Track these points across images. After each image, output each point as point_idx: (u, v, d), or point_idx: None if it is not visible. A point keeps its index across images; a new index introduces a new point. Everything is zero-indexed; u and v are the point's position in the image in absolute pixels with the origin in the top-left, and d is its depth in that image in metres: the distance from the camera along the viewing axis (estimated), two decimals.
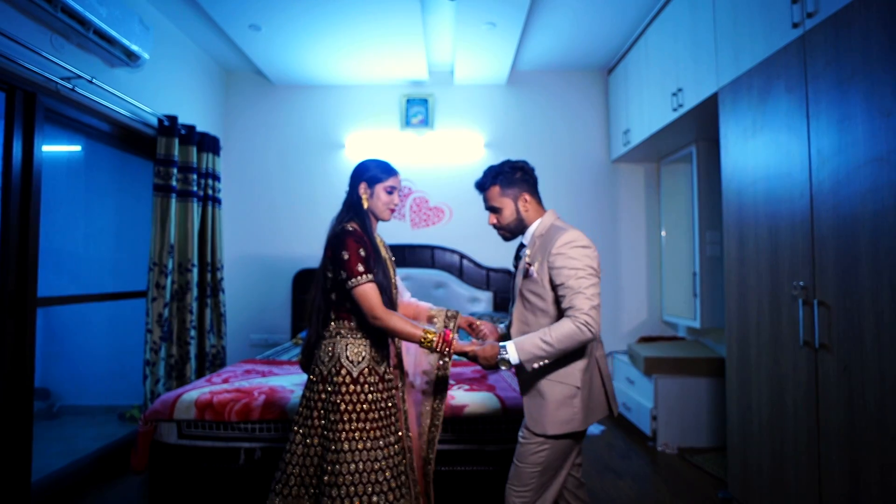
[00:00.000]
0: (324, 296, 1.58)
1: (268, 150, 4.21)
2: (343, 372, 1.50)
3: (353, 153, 4.14)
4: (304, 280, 4.07)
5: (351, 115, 4.21)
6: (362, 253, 1.49)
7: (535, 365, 1.45)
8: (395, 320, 1.48)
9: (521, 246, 1.68)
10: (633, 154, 3.90)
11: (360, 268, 1.47)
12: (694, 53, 2.73)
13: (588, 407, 1.55)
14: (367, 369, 1.53)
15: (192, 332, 3.23)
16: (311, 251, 4.11)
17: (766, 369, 2.11)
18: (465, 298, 3.99)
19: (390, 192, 1.63)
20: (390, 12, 3.08)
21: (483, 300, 4.01)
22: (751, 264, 2.23)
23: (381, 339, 1.61)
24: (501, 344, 1.48)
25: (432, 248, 4.08)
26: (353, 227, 1.54)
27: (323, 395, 1.51)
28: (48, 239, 2.44)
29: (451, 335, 1.53)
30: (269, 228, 4.18)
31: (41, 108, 2.37)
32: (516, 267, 1.70)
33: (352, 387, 1.49)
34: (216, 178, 3.53)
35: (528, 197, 1.64)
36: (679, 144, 3.62)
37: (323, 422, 1.51)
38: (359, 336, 1.55)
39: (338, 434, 1.45)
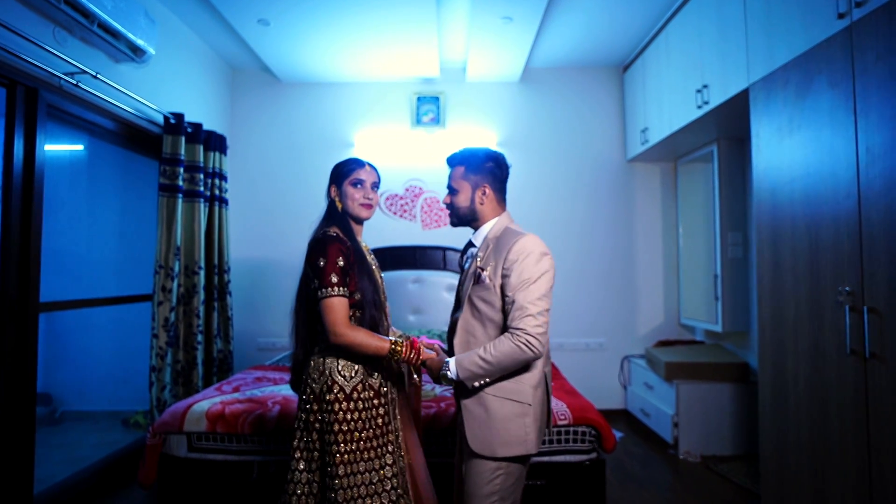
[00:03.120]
0: (309, 309, 1.48)
1: (274, 149, 4.11)
2: (335, 389, 1.40)
3: (363, 152, 4.04)
4: None
5: (360, 113, 4.11)
6: (341, 263, 1.40)
7: (476, 383, 1.38)
8: (359, 336, 1.37)
9: (470, 245, 1.58)
10: (650, 153, 3.80)
11: (334, 279, 1.38)
12: (721, 48, 2.63)
13: (538, 427, 1.44)
14: (360, 384, 1.43)
15: (199, 337, 3.13)
16: None
17: (806, 378, 2.01)
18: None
19: (357, 184, 1.51)
20: (405, 5, 2.98)
21: None
22: (787, 267, 2.13)
23: None
24: (446, 360, 1.41)
25: (444, 249, 3.97)
26: (334, 231, 1.46)
27: (320, 416, 1.42)
28: (50, 240, 2.34)
29: (418, 343, 1.43)
30: (276, 229, 4.07)
31: (43, 104, 2.27)
32: (463, 267, 1.59)
33: (345, 404, 1.40)
34: (223, 177, 3.43)
35: (488, 190, 1.51)
36: (699, 143, 3.52)
37: (319, 444, 1.42)
38: None
39: (333, 457, 1.36)
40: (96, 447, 3.18)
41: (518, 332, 1.33)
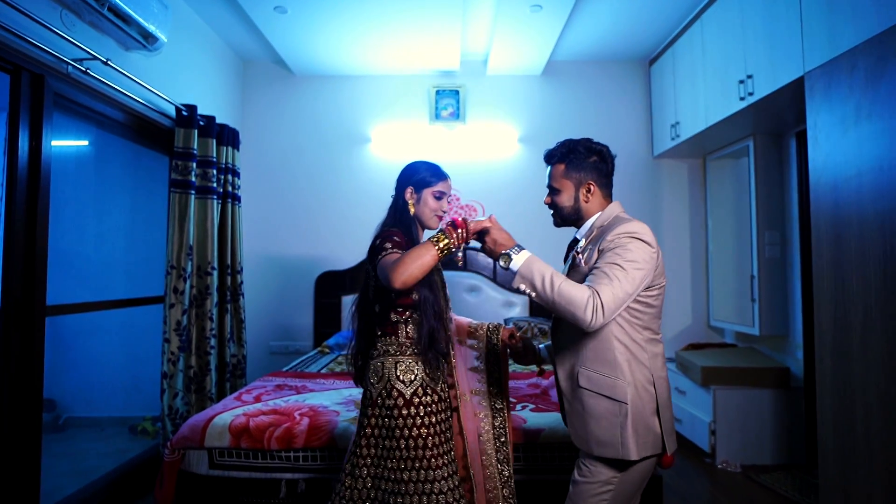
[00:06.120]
0: (368, 309, 1.48)
1: (288, 144, 3.95)
2: (395, 394, 1.38)
3: (380, 147, 3.88)
4: (327, 283, 3.81)
5: (377, 107, 3.94)
6: (397, 239, 1.39)
7: (522, 286, 1.27)
8: (408, 265, 1.22)
9: (575, 241, 1.49)
10: (678, 149, 3.65)
11: (388, 245, 1.36)
12: (770, 36, 2.48)
13: (639, 433, 1.27)
14: (420, 388, 1.39)
15: (212, 342, 2.96)
16: (335, 252, 3.84)
17: (877, 389, 1.86)
18: (500, 303, 3.74)
19: (439, 197, 1.52)
20: None
21: (518, 305, 3.76)
22: (852, 268, 1.98)
23: (433, 355, 1.44)
24: (518, 244, 1.31)
25: (464, 249, 3.81)
26: (395, 231, 1.43)
27: (373, 420, 1.39)
28: (55, 240, 2.18)
29: (459, 220, 1.31)
30: (290, 228, 3.91)
31: (50, 92, 2.11)
32: (567, 263, 1.51)
33: (405, 410, 1.37)
34: (236, 173, 3.27)
35: (593, 186, 1.42)
36: (731, 139, 3.37)
37: (374, 451, 1.37)
38: (408, 353, 1.41)
39: (395, 462, 1.34)
40: (103, 456, 3.03)
41: (598, 296, 1.20)
